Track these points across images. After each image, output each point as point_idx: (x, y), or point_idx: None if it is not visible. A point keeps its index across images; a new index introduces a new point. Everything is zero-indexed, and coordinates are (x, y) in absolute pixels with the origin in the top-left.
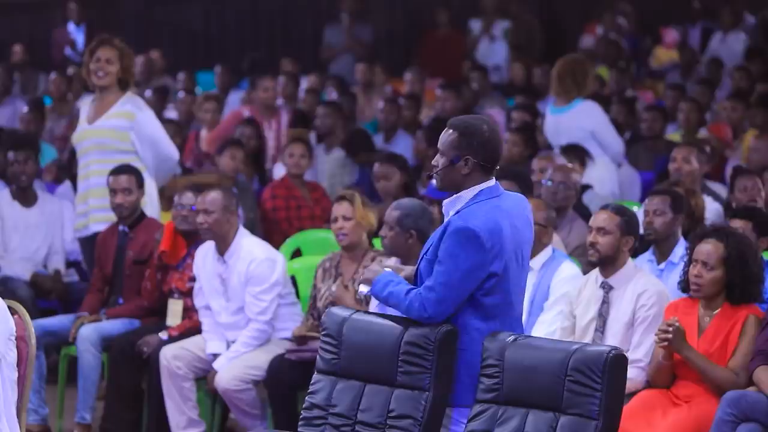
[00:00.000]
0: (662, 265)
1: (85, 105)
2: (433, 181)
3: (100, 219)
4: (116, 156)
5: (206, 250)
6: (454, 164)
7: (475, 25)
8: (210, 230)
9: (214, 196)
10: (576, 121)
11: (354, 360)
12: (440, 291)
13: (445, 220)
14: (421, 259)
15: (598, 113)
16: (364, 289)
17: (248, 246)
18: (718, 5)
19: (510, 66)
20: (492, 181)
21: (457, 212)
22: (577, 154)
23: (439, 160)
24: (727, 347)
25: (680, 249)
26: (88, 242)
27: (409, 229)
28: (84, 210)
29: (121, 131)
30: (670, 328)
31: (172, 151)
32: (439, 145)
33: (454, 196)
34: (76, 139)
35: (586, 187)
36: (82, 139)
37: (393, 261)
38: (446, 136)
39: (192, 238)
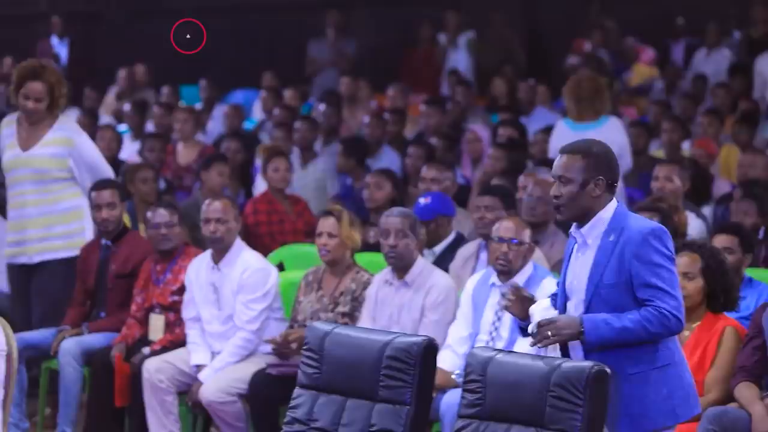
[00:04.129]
0: None
1: (9, 127)
2: (557, 215)
3: (42, 249)
4: (54, 184)
5: (200, 260)
6: (584, 189)
7: (444, 38)
8: (221, 239)
9: (223, 205)
10: (607, 136)
11: (335, 374)
12: (675, 292)
13: (577, 246)
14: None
15: (624, 129)
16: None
17: (244, 256)
18: (703, 22)
19: (477, 78)
20: (617, 201)
21: (613, 229)
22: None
23: (562, 189)
24: (705, 360)
25: None
26: (16, 270)
27: (419, 236)
28: (18, 239)
29: (60, 158)
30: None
31: (109, 173)
32: (560, 174)
33: (593, 221)
34: (7, 166)
35: None
36: (15, 166)
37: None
38: (569, 162)
39: (170, 255)
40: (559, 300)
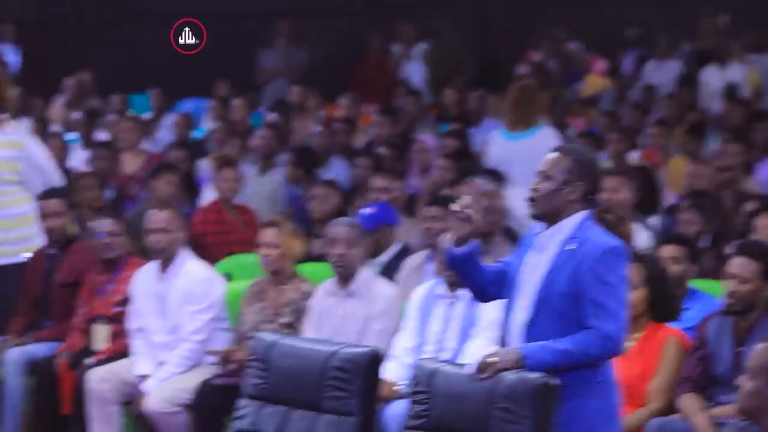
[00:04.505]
0: None
1: None
2: (529, 208)
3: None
4: (3, 187)
5: (145, 270)
6: (562, 190)
7: (398, 48)
8: (165, 250)
9: (168, 215)
10: (540, 145)
11: (281, 385)
12: (620, 314)
13: (535, 245)
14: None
15: (559, 139)
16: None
17: (190, 266)
18: (653, 33)
19: (430, 88)
20: (586, 213)
21: (573, 239)
22: (494, 177)
23: (541, 184)
24: (648, 370)
25: None
26: None
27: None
28: None
29: (11, 161)
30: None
31: (58, 179)
32: (544, 169)
33: (557, 226)
34: None
35: None
36: None
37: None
38: (556, 160)
39: (114, 265)
40: (509, 289)
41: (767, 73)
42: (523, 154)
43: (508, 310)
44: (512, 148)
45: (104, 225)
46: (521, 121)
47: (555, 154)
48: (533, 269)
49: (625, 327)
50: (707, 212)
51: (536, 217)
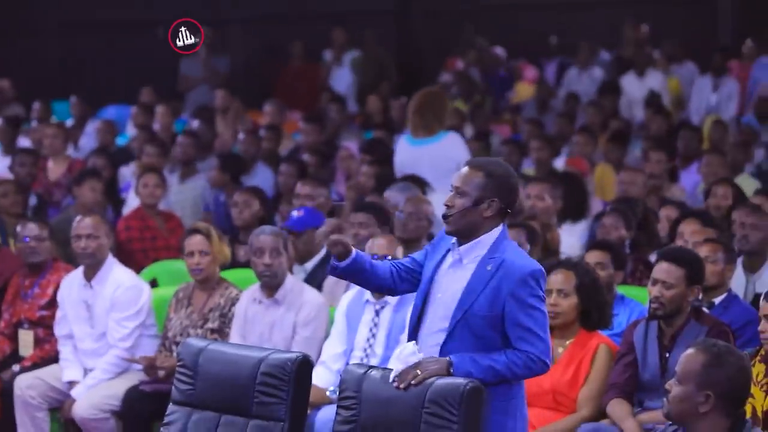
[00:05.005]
0: None
1: None
2: (445, 224)
3: None
4: None
5: (72, 277)
6: (477, 206)
7: (329, 55)
8: (92, 255)
9: (94, 221)
10: (444, 152)
11: (210, 391)
12: (545, 336)
13: (452, 261)
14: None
15: (464, 145)
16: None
17: (116, 273)
18: (574, 41)
19: (357, 96)
20: (502, 227)
21: (492, 258)
22: (418, 183)
23: (455, 201)
24: (578, 377)
25: None
26: None
27: (290, 253)
28: None
29: None
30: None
31: None
32: (457, 185)
33: (474, 241)
34: None
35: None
36: None
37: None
38: (470, 176)
39: (39, 269)
40: (416, 302)
41: (687, 83)
42: (427, 160)
43: (419, 316)
44: (416, 153)
45: (30, 229)
46: (423, 127)
47: (468, 170)
48: (449, 283)
49: (549, 346)
50: (628, 218)
51: (451, 233)
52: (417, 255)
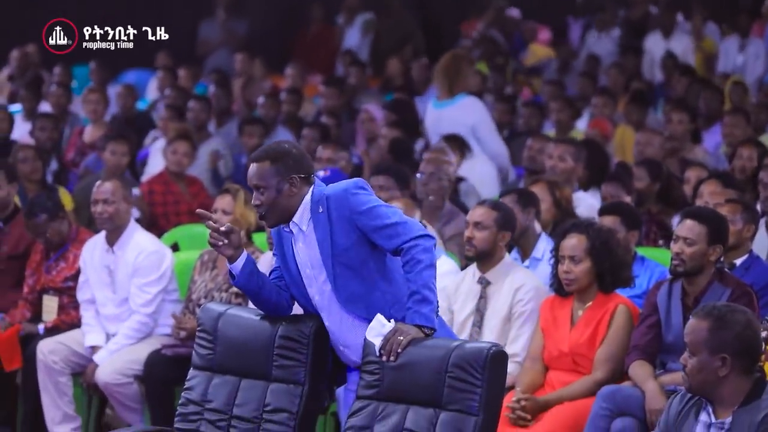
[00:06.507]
0: (527, 262)
1: None
2: (264, 222)
3: None
4: None
5: (95, 242)
6: (282, 191)
7: (341, 19)
8: (109, 220)
9: (112, 186)
10: (458, 115)
11: (229, 355)
12: (400, 218)
13: (294, 239)
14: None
15: (480, 109)
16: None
17: (138, 238)
18: (597, 2)
19: (371, 59)
20: (313, 185)
21: (317, 203)
22: (458, 144)
23: (261, 198)
24: (596, 337)
25: (542, 244)
26: None
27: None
28: None
29: None
30: (520, 404)
31: None
32: (255, 183)
33: (298, 214)
34: None
35: (461, 180)
36: None
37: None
38: (260, 170)
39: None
40: (296, 291)
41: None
42: (447, 122)
43: (303, 292)
44: (438, 115)
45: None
46: (443, 89)
47: (255, 166)
48: (307, 252)
49: (416, 220)
50: (626, 183)
51: (275, 225)
52: (274, 264)
